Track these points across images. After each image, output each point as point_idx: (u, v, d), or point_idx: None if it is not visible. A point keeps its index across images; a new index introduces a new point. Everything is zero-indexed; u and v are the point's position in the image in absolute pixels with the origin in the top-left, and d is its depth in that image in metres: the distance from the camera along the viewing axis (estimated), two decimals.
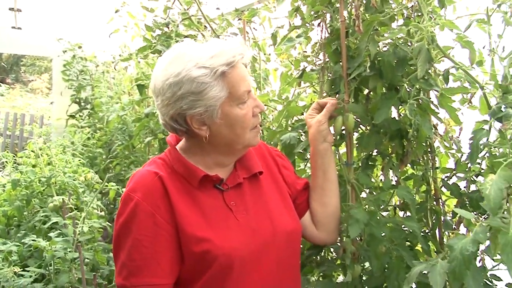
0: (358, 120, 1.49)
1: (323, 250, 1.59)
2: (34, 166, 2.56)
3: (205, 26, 2.35)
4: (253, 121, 1.23)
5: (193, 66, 1.14)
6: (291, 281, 1.29)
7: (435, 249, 1.48)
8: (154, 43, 2.24)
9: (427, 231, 1.49)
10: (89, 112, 4.83)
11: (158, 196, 1.15)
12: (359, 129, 1.55)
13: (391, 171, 1.53)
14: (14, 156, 2.82)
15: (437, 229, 1.49)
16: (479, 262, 1.34)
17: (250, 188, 1.29)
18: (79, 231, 1.77)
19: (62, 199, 1.95)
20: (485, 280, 1.28)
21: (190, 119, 1.17)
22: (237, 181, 1.27)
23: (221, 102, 1.15)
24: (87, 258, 1.79)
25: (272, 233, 1.24)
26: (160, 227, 1.13)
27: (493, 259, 1.33)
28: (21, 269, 1.80)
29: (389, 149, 1.51)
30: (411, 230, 1.38)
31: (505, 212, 1.00)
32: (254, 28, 2.28)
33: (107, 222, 2.04)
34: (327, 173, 1.40)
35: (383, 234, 1.32)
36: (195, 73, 1.13)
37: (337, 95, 1.51)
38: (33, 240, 1.82)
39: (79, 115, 4.98)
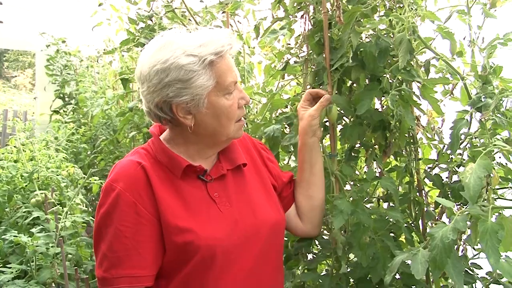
0: (341, 111, 1.49)
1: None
2: (16, 161, 2.51)
3: (189, 19, 2.33)
4: (238, 113, 1.22)
5: (181, 53, 1.13)
6: (274, 273, 1.29)
7: (418, 240, 1.49)
8: (137, 36, 2.22)
9: (410, 222, 1.50)
10: (73, 107, 4.77)
11: (140, 186, 1.14)
12: (342, 120, 1.55)
13: (374, 163, 1.54)
14: None
15: (420, 220, 1.50)
16: (461, 251, 1.36)
17: (234, 179, 1.29)
18: (61, 226, 1.75)
19: (44, 194, 1.92)
20: (465, 268, 1.29)
21: (175, 107, 1.16)
22: (220, 173, 1.26)
23: (208, 91, 1.15)
24: (70, 254, 1.77)
25: (255, 225, 1.23)
26: (142, 217, 1.12)
27: (474, 248, 1.35)
28: (1, 266, 1.77)
29: (372, 141, 1.51)
30: (394, 221, 1.39)
31: (485, 201, 1.01)
32: (238, 21, 2.26)
33: (91, 217, 2.02)
34: (314, 167, 1.40)
35: (366, 225, 1.33)
36: (183, 61, 1.12)
37: (321, 86, 1.51)
38: (14, 236, 1.79)
39: (63, 110, 4.92)
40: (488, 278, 1.27)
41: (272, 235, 1.28)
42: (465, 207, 1.34)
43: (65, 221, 1.76)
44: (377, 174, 1.55)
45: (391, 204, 1.52)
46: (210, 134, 1.22)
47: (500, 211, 1.01)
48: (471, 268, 1.29)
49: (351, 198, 1.38)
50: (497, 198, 1.28)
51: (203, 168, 1.22)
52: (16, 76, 15.09)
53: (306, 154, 1.40)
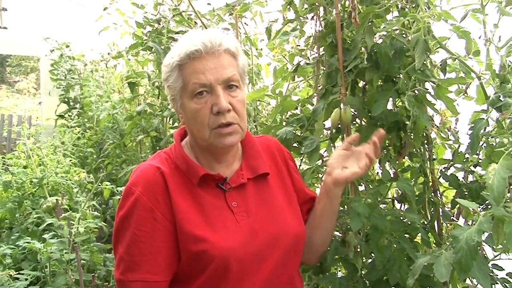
0: (355, 113, 1.48)
1: None
2: (25, 167, 2.51)
3: (196, 22, 2.33)
4: (213, 120, 1.13)
5: (169, 53, 1.19)
6: (292, 283, 1.25)
7: (434, 240, 1.48)
8: (145, 40, 2.21)
9: (425, 222, 1.49)
10: (78, 111, 4.78)
11: (158, 192, 1.14)
12: (355, 122, 1.54)
13: (387, 164, 1.53)
14: (3, 158, 2.77)
15: (435, 220, 1.49)
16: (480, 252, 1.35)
17: (255, 189, 1.24)
18: (74, 232, 1.75)
19: (56, 199, 1.92)
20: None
21: (172, 105, 1.23)
22: (240, 182, 1.22)
23: (179, 93, 1.17)
24: (84, 259, 1.76)
25: (274, 236, 1.19)
26: (159, 223, 1.12)
27: (493, 249, 1.34)
28: (16, 272, 1.76)
29: (387, 142, 1.50)
30: (410, 222, 1.38)
31: (508, 201, 1.00)
32: (245, 23, 2.26)
33: (103, 222, 2.01)
34: (328, 214, 1.31)
35: (383, 228, 1.32)
36: (164, 61, 1.19)
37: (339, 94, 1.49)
38: (27, 242, 1.79)
39: (69, 115, 4.93)
40: (510, 279, 1.25)
41: (292, 247, 1.24)
42: (481, 207, 1.34)
43: (78, 227, 1.76)
44: (392, 175, 1.54)
45: (406, 205, 1.51)
46: (195, 138, 1.20)
47: None
48: (492, 269, 1.28)
49: (368, 200, 1.36)
50: None
51: (221, 177, 1.19)
52: (19, 81, 15.11)
53: (322, 201, 1.30)
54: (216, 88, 1.13)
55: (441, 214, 1.49)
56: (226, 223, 1.15)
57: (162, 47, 2.19)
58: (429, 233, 1.46)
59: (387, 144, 1.50)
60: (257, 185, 1.25)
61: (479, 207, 1.34)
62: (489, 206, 1.25)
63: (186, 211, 1.14)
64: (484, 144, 1.34)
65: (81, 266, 1.76)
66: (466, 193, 1.38)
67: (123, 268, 1.12)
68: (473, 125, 1.16)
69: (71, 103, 5.04)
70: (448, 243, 1.18)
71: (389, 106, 1.53)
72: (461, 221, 1.52)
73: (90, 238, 1.90)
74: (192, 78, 1.13)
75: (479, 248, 0.98)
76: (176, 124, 2.73)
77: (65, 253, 1.69)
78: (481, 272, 0.91)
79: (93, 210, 2.23)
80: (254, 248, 1.15)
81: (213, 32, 1.19)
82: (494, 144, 1.30)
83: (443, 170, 1.48)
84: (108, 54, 4.12)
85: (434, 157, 1.54)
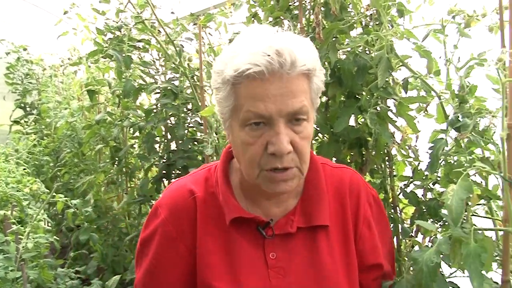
0: (317, 128, 1.47)
1: None
2: None
3: (159, 30, 2.28)
4: (265, 160, 0.88)
5: (220, 56, 0.93)
6: None
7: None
8: (106, 47, 2.14)
9: None
10: (35, 117, 4.60)
11: (185, 221, 0.98)
12: (317, 137, 1.53)
13: None
14: None
15: (395, 237, 1.50)
16: None
17: (305, 242, 0.98)
18: (22, 247, 1.65)
19: (4, 213, 1.81)
20: None
21: (219, 116, 0.96)
22: (287, 230, 0.97)
23: (229, 113, 0.91)
24: (32, 277, 1.66)
25: None
26: (181, 256, 0.99)
27: (449, 266, 1.35)
28: None
29: (348, 158, 1.50)
30: None
31: (465, 220, 1.00)
32: (209, 34, 2.23)
33: (55, 236, 1.91)
34: None
35: None
36: (215, 66, 0.93)
37: None
38: None
39: (24, 121, 4.74)
40: None
41: None
42: (439, 223, 1.35)
43: (27, 242, 1.66)
44: None
45: None
46: (241, 166, 0.95)
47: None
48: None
49: None
50: (471, 215, 1.29)
51: (261, 220, 0.96)
52: None
53: None
54: (276, 122, 0.86)
55: (400, 230, 1.50)
56: (254, 279, 0.95)
57: (124, 55, 2.12)
58: None
59: (349, 161, 1.50)
60: (309, 237, 0.98)
61: (438, 224, 1.35)
62: (446, 223, 1.26)
63: (210, 253, 0.96)
64: (443, 162, 1.36)
65: (29, 283, 1.67)
66: (424, 210, 1.39)
67: None
68: (433, 144, 1.17)
69: (28, 109, 4.85)
70: (407, 259, 1.18)
71: (352, 122, 1.54)
72: (420, 237, 1.53)
73: (40, 253, 1.80)
74: (247, 103, 0.86)
75: (438, 268, 0.98)
76: (137, 134, 2.66)
77: (11, 270, 1.59)
78: None
79: (46, 223, 2.13)
80: None
81: (286, 41, 0.87)
82: (452, 162, 1.31)
83: (403, 187, 1.49)
84: (69, 59, 4.00)
85: (394, 173, 1.56)
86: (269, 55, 0.83)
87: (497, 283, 1.01)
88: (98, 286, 1.82)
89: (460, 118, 1.14)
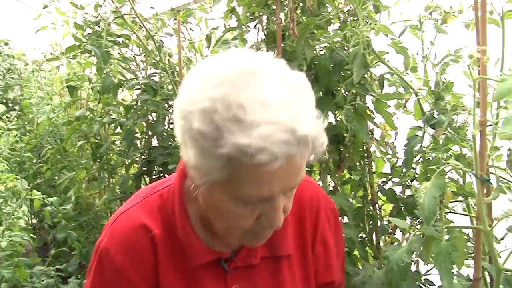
0: None
1: None
2: None
3: (139, 25, 2.24)
4: (254, 227, 0.79)
5: (208, 91, 0.68)
6: None
7: (373, 254, 1.48)
8: (84, 42, 2.10)
9: (364, 236, 1.49)
10: (17, 113, 4.53)
11: (145, 264, 0.87)
12: None
13: (328, 177, 1.52)
14: None
15: (374, 234, 1.49)
16: (414, 264, 1.35)
17: (269, 271, 0.93)
18: None
19: None
20: (419, 284, 1.28)
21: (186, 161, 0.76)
22: (250, 262, 0.91)
23: (213, 182, 0.73)
24: (6, 276, 1.63)
25: None
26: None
27: (425, 263, 1.35)
28: None
29: (326, 155, 1.49)
30: (348, 236, 1.37)
31: (438, 218, 1.00)
32: (190, 29, 2.20)
33: (32, 234, 1.88)
34: None
35: None
36: (195, 125, 0.68)
37: None
38: None
39: (6, 117, 4.66)
40: None
41: None
42: (417, 221, 1.35)
43: (2, 241, 1.63)
44: (331, 188, 1.53)
45: (345, 220, 1.50)
46: (215, 224, 0.84)
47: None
48: (424, 284, 1.28)
49: None
50: (448, 212, 1.29)
51: (224, 255, 0.90)
52: None
53: None
54: (276, 198, 0.75)
55: (379, 227, 1.49)
56: None
57: (102, 50, 2.08)
58: (367, 247, 1.46)
59: (326, 157, 1.49)
60: (272, 267, 0.93)
61: (416, 221, 1.35)
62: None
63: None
64: (421, 159, 1.36)
65: (4, 282, 1.64)
66: (402, 207, 1.39)
67: None
68: (408, 141, 1.16)
69: (10, 104, 4.78)
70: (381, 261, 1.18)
71: (331, 119, 1.52)
72: (399, 234, 1.53)
73: (16, 251, 1.77)
74: (249, 187, 0.71)
75: (409, 267, 0.98)
76: (118, 130, 2.62)
77: None
78: None
79: (31, 219, 2.09)
80: None
81: (308, 120, 0.68)
82: (430, 158, 1.31)
83: (381, 184, 1.48)
84: (51, 54, 3.93)
85: (373, 170, 1.55)
86: (290, 145, 0.66)
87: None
88: (75, 285, 1.79)
89: (435, 115, 1.14)
